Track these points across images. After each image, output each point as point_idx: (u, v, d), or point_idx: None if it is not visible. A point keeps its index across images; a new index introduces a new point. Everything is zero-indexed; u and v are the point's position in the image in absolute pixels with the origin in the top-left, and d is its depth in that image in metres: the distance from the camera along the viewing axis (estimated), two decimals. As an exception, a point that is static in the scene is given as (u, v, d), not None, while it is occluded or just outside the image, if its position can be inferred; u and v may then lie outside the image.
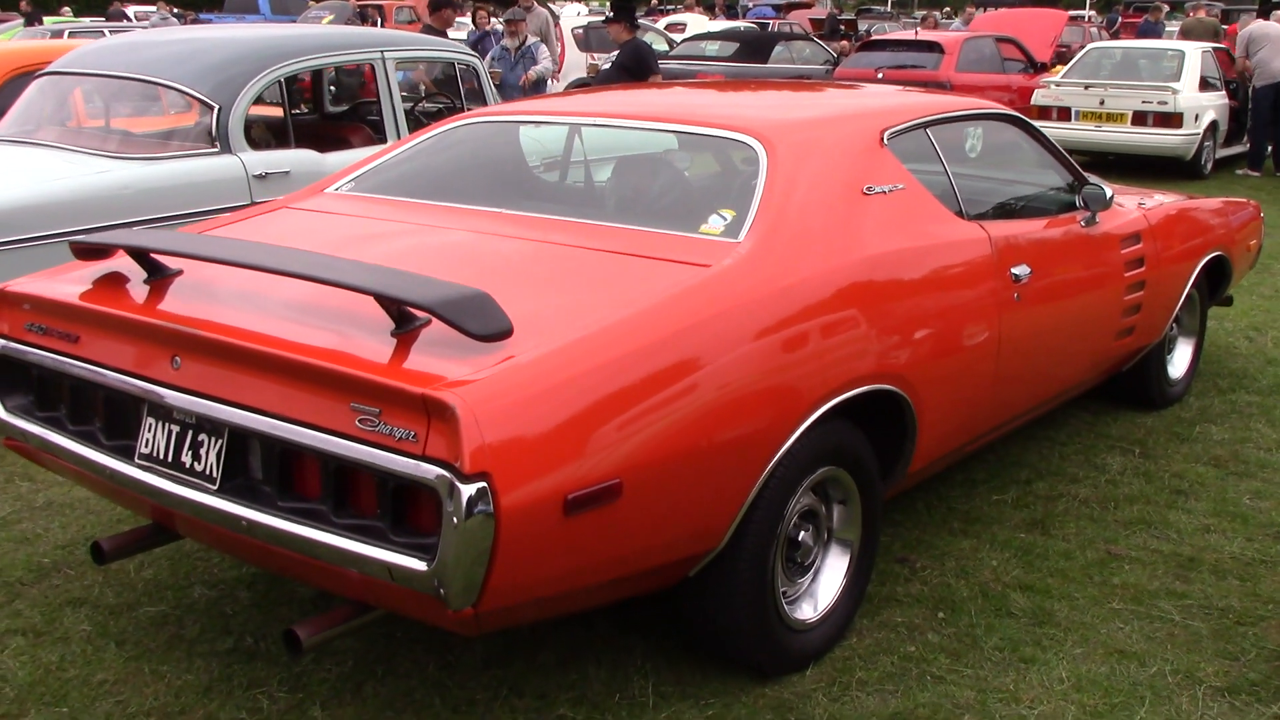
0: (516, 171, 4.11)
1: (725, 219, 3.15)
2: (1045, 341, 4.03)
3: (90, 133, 5.72)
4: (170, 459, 2.78)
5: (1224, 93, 13.21)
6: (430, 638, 3.31)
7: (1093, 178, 4.47)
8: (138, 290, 3.04)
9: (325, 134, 6.17)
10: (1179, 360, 5.44)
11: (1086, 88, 12.86)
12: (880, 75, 14.55)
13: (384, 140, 6.23)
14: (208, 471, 2.70)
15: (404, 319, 2.58)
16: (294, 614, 3.47)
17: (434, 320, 2.55)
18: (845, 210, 3.27)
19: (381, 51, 6.20)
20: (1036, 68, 15.51)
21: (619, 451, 2.50)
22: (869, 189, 3.36)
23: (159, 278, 3.08)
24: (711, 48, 17.11)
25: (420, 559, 2.35)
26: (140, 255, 3.07)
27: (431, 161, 3.92)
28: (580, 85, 15.08)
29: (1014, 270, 3.75)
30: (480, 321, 2.46)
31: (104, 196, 5.08)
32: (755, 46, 16.77)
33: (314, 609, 3.49)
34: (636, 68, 9.73)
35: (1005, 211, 4.07)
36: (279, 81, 5.80)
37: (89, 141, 5.55)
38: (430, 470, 2.29)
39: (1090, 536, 4.05)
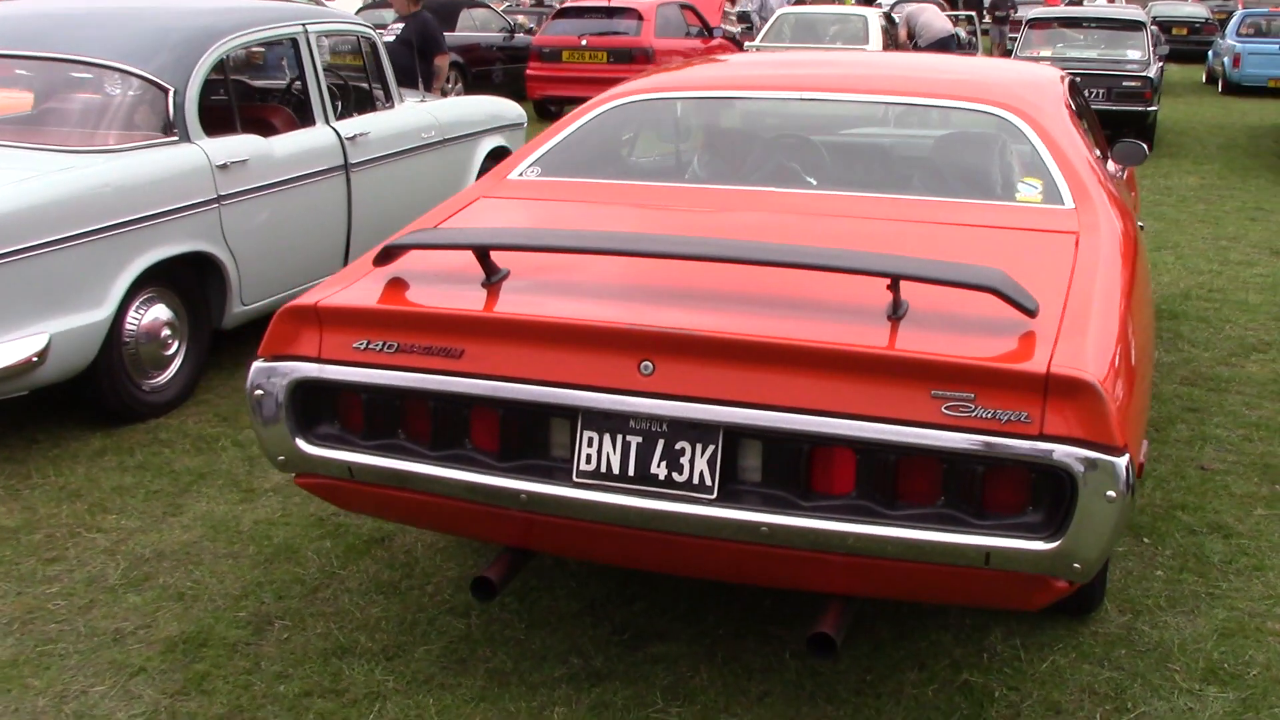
0: (737, 145, 3.96)
1: (1036, 187, 3.26)
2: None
3: (40, 127, 4.87)
4: (633, 473, 2.56)
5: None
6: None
7: None
8: (507, 294, 2.75)
9: (245, 117, 5.53)
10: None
11: (787, 50, 13.73)
12: (584, 41, 14.80)
13: (310, 123, 5.67)
14: (697, 480, 2.52)
15: (898, 303, 2.54)
16: (575, 630, 3.27)
17: (912, 303, 2.54)
18: (1106, 175, 3.48)
19: (304, 25, 5.66)
20: (710, 32, 16.40)
21: (1140, 424, 2.61)
22: (1096, 155, 3.59)
23: (496, 279, 2.81)
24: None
25: (1035, 539, 2.35)
26: (483, 255, 2.78)
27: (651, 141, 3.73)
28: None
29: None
30: (1029, 299, 2.47)
31: (86, 197, 4.39)
32: (444, 13, 16.38)
33: (582, 619, 3.30)
34: (423, 46, 9.29)
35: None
36: (224, 59, 5.18)
37: (40, 137, 4.73)
38: (1064, 450, 2.28)
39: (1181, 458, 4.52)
